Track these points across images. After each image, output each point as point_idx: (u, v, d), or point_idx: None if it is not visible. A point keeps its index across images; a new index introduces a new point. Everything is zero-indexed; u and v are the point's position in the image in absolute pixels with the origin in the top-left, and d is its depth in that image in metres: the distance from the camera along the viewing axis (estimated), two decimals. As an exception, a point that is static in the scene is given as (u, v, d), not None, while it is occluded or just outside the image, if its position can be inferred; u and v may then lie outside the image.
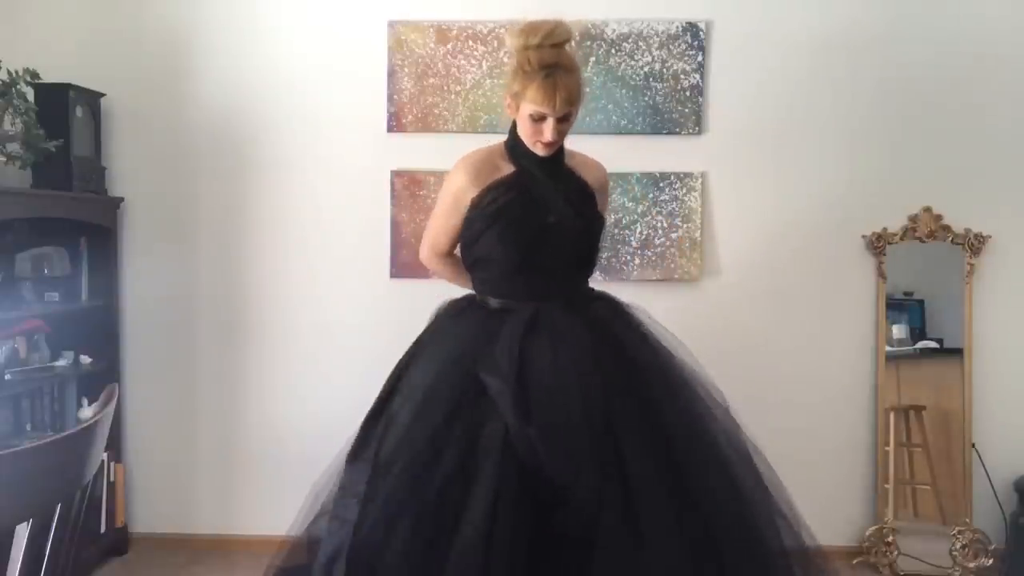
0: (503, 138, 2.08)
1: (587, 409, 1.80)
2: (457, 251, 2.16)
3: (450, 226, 2.08)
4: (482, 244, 2.01)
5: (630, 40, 3.19)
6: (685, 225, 3.22)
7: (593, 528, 1.70)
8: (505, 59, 3.17)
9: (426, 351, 2.03)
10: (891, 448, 3.19)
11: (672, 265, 3.23)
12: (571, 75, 1.92)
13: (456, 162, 2.07)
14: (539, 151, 1.98)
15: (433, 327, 2.09)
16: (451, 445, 1.79)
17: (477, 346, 1.90)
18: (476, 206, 2.00)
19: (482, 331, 1.94)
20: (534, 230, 1.97)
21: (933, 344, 3.25)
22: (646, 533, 1.71)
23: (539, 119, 1.92)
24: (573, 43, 3.11)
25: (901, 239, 3.19)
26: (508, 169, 2.01)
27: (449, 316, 2.08)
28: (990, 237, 3.17)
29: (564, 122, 1.95)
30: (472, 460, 1.76)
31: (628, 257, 3.23)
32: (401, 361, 2.06)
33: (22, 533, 1.22)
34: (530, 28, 1.90)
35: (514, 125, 2.03)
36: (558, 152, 2.03)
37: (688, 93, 3.20)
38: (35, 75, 2.83)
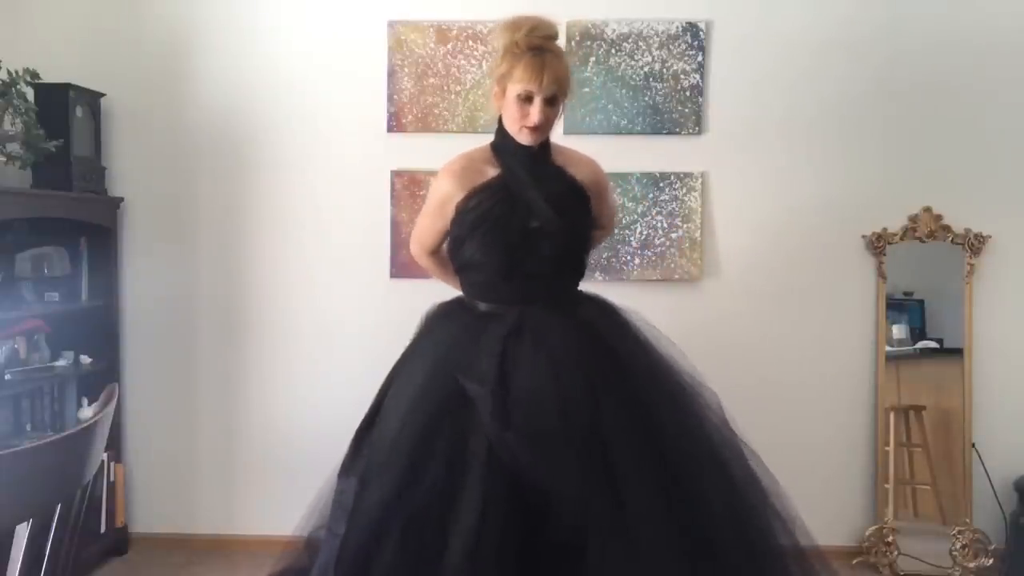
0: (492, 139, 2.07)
1: (568, 412, 1.78)
2: (444, 249, 2.16)
3: (435, 230, 2.10)
4: (467, 249, 2.00)
5: (630, 40, 3.19)
6: (685, 225, 3.22)
7: (582, 533, 1.68)
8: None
9: (414, 357, 2.02)
10: (891, 448, 3.19)
11: (672, 265, 3.23)
12: (559, 59, 1.93)
13: (441, 168, 2.07)
14: (525, 139, 1.95)
15: (421, 332, 2.09)
16: (438, 452, 1.77)
17: (462, 350, 1.89)
18: (461, 212, 1.99)
19: (467, 335, 1.93)
20: (518, 235, 1.95)
21: (933, 344, 3.25)
22: (638, 536, 1.69)
23: (526, 99, 1.91)
24: (573, 43, 3.12)
25: (901, 239, 3.19)
26: (493, 173, 2.00)
27: (437, 320, 2.08)
28: (990, 237, 3.17)
29: (551, 106, 1.93)
30: (460, 467, 1.74)
31: (628, 257, 3.23)
32: (392, 370, 2.05)
33: (22, 533, 1.22)
34: (515, 22, 1.92)
35: (500, 124, 2.02)
36: (544, 148, 2.01)
37: (688, 93, 3.19)
38: (35, 75, 2.83)
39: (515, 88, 1.91)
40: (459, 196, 1.99)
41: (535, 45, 1.89)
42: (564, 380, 1.82)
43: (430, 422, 1.81)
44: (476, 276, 2.03)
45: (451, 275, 2.17)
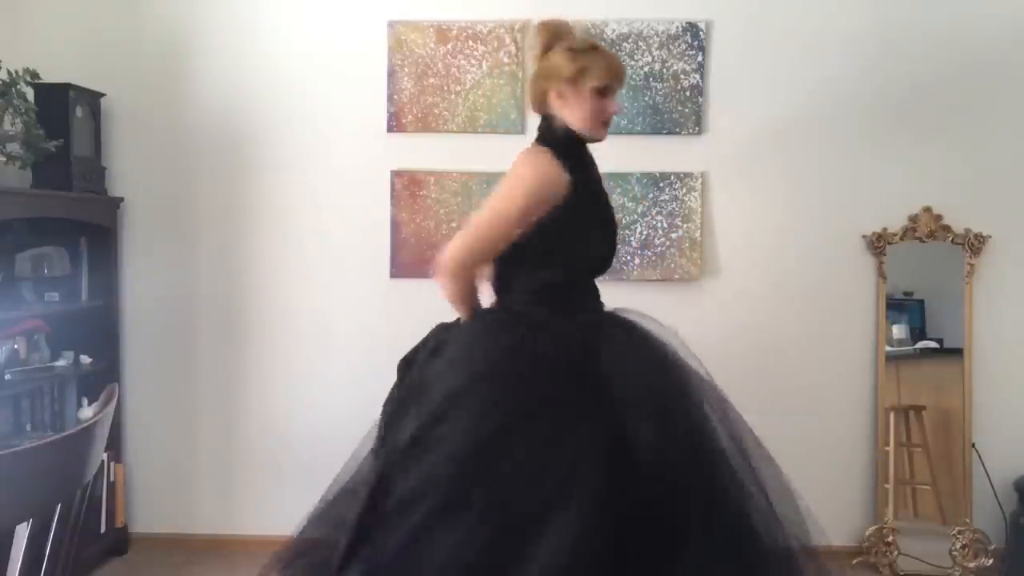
0: (523, 141, 2.04)
1: (692, 414, 1.83)
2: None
3: (515, 234, 1.87)
4: (572, 252, 1.91)
5: (630, 40, 3.19)
6: (685, 225, 3.22)
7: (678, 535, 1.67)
8: (505, 59, 3.17)
9: (484, 383, 1.81)
10: (891, 448, 3.19)
11: (672, 265, 3.23)
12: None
13: (532, 167, 1.89)
14: (600, 133, 1.98)
15: (489, 353, 1.88)
16: (549, 467, 1.67)
17: (565, 369, 1.79)
18: (561, 216, 1.86)
19: (573, 350, 1.82)
20: (613, 237, 2.00)
21: (933, 344, 3.25)
22: (716, 538, 1.70)
23: (603, 93, 1.93)
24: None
25: (901, 239, 3.19)
26: (565, 175, 1.89)
27: (511, 340, 1.86)
28: (990, 237, 3.17)
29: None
30: (561, 483, 1.65)
31: (628, 257, 3.23)
32: (431, 394, 1.84)
33: (22, 533, 1.22)
34: (558, 25, 1.98)
35: (549, 127, 1.98)
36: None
37: (688, 93, 3.19)
38: (35, 75, 2.83)
39: (594, 83, 1.91)
40: (558, 200, 1.86)
41: (594, 43, 1.97)
42: (690, 385, 1.86)
43: (534, 442, 1.71)
44: (557, 282, 1.93)
45: (471, 296, 2.00)
